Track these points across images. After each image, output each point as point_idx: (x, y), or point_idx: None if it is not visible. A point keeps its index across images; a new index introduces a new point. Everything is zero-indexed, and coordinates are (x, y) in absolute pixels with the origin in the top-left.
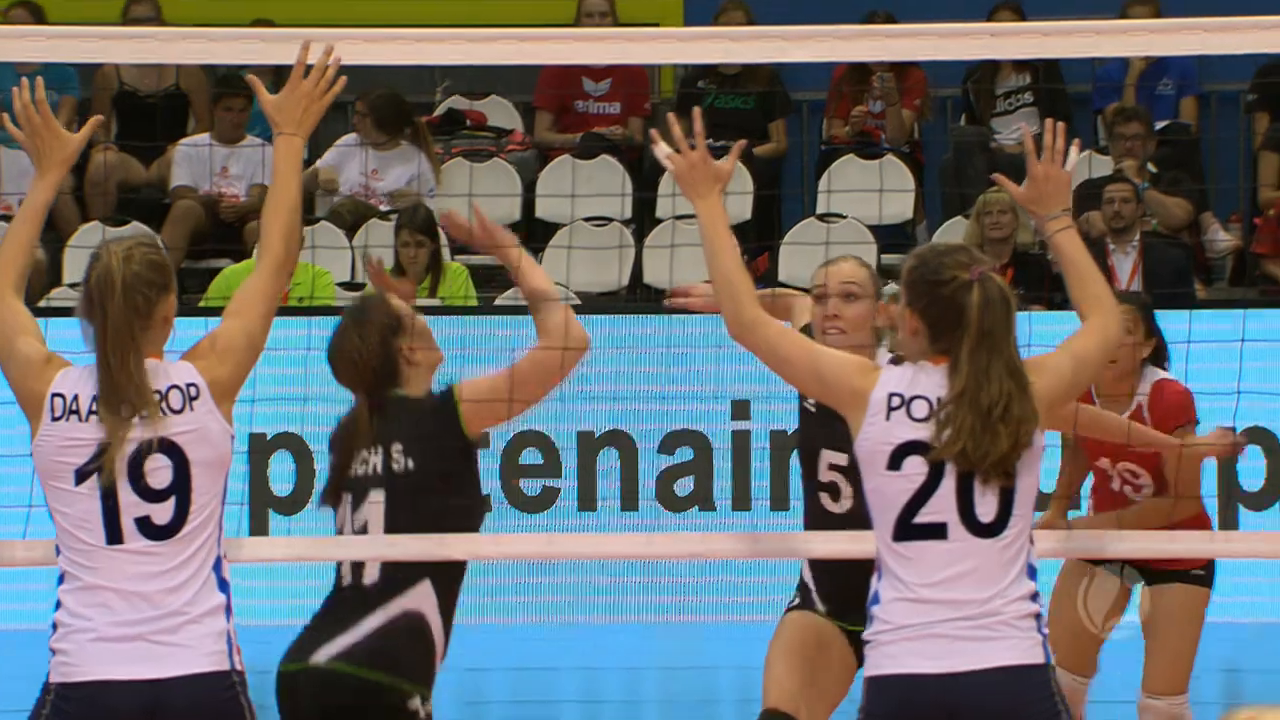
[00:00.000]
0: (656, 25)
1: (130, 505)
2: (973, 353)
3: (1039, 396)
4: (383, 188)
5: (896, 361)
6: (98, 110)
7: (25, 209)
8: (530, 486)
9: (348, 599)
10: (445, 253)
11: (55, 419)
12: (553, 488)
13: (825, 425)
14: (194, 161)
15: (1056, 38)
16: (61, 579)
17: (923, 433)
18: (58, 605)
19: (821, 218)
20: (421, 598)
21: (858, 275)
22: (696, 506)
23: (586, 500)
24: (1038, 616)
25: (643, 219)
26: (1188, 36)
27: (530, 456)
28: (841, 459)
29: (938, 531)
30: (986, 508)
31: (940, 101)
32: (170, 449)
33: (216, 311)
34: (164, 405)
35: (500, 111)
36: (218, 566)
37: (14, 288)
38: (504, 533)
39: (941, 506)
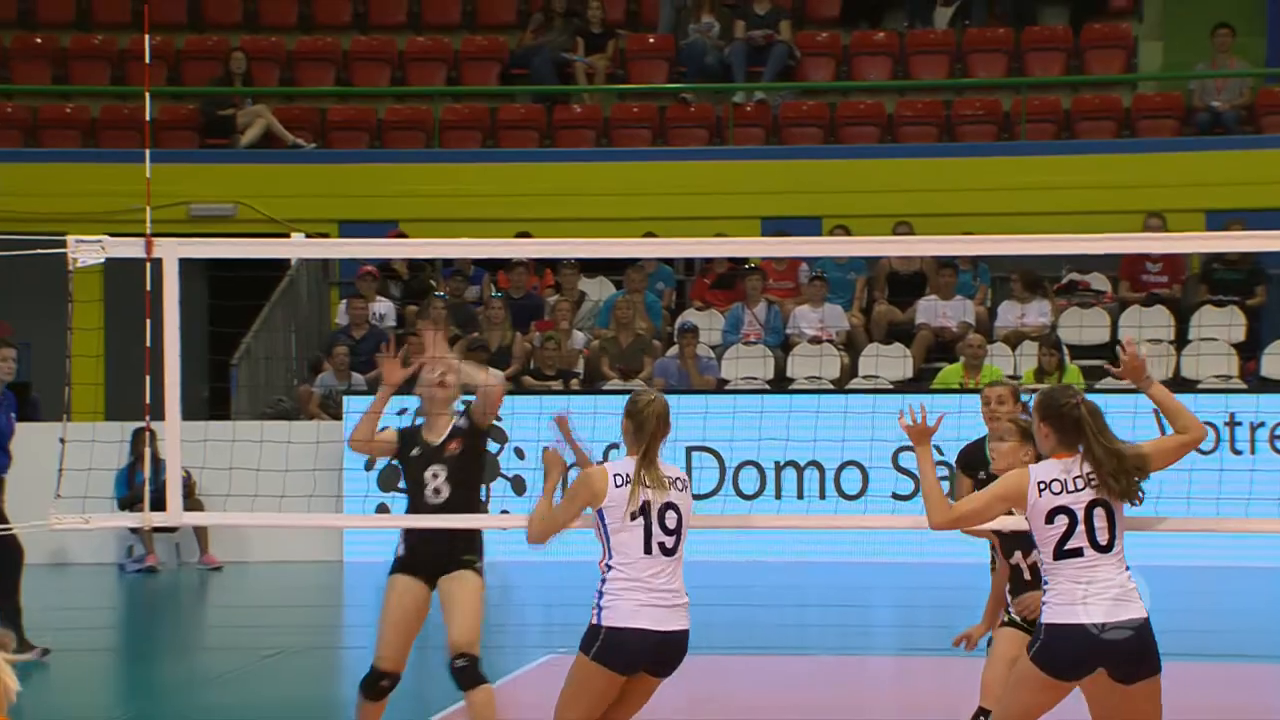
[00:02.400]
0: None
1: (657, 534)
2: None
3: (1144, 456)
4: (1029, 321)
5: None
6: None
7: None
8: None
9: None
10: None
11: (617, 487)
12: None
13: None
14: None
15: None
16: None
17: (1063, 500)
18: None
19: None
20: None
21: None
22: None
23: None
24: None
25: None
26: None
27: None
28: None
29: (1078, 553)
30: (1103, 536)
31: None
32: (675, 508)
33: None
34: (676, 484)
35: (1098, 281)
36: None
37: None
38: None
39: (1078, 542)
